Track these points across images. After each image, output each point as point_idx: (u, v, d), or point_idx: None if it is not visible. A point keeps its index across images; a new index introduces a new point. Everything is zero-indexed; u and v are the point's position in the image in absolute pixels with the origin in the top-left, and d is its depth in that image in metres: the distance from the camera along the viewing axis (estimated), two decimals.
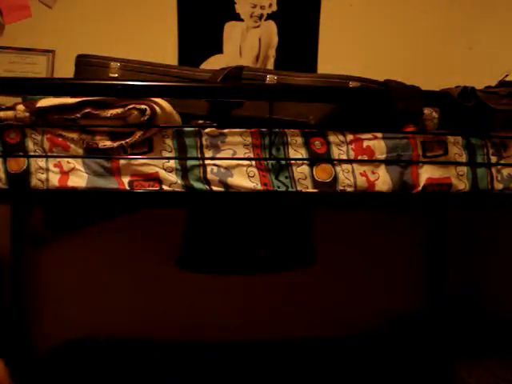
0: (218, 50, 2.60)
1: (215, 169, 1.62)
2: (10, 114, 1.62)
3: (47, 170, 1.60)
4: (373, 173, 1.67)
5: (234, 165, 1.63)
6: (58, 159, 1.61)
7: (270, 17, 2.61)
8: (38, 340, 2.45)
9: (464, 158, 1.73)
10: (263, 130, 1.64)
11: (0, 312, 2.38)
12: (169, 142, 1.62)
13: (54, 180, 1.60)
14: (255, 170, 1.63)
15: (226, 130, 1.64)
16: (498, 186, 1.74)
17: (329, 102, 1.75)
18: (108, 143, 1.60)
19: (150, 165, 1.61)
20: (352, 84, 1.76)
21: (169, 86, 1.70)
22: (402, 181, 1.68)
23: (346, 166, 1.66)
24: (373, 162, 1.67)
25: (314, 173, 1.65)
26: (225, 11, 2.59)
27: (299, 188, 1.65)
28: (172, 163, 1.61)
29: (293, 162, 1.64)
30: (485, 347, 2.18)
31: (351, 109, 1.76)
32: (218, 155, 1.63)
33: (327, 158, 1.66)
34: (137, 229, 2.43)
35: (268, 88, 1.79)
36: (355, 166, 1.67)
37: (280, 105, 1.67)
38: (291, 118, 1.72)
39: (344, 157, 1.66)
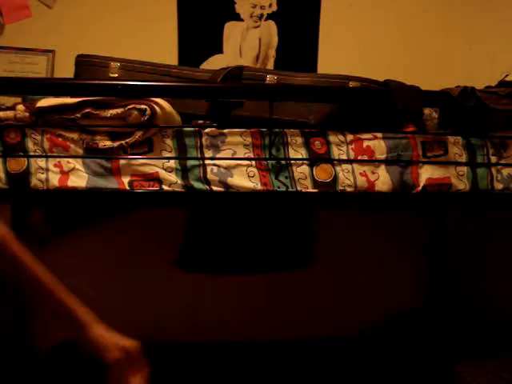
0: (218, 49, 2.60)
1: (215, 169, 1.62)
2: (10, 114, 1.62)
3: (47, 170, 1.60)
4: (373, 173, 1.67)
5: (234, 165, 1.62)
6: (58, 159, 1.61)
7: (269, 17, 2.61)
8: (38, 340, 2.44)
9: (464, 158, 1.73)
10: (263, 130, 1.64)
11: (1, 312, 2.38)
12: (169, 141, 1.62)
13: (54, 180, 1.60)
14: (255, 170, 1.63)
15: (226, 130, 1.64)
16: (498, 185, 1.74)
17: (329, 102, 1.75)
18: (108, 143, 1.60)
19: (149, 165, 1.61)
20: (352, 84, 1.76)
21: (169, 86, 1.70)
22: (402, 181, 1.68)
23: (345, 166, 1.66)
24: (373, 162, 1.67)
25: (314, 173, 1.65)
26: (225, 11, 2.59)
27: (299, 188, 1.65)
28: (172, 163, 1.61)
29: (293, 161, 1.64)
30: (485, 347, 2.18)
31: (351, 109, 1.76)
32: (218, 155, 1.63)
33: (327, 158, 1.66)
34: (137, 229, 2.42)
35: (268, 88, 1.79)
36: (355, 165, 1.66)
37: (280, 105, 1.67)
38: (291, 118, 1.72)
39: (344, 157, 1.66)
